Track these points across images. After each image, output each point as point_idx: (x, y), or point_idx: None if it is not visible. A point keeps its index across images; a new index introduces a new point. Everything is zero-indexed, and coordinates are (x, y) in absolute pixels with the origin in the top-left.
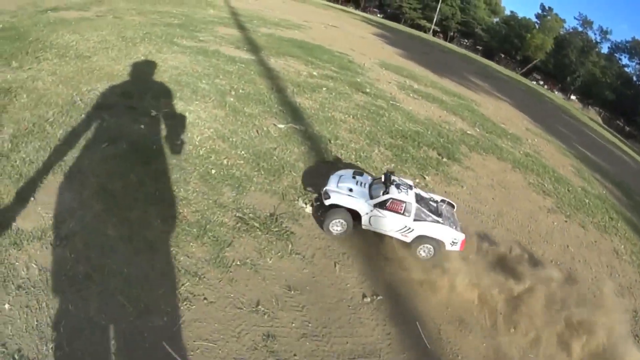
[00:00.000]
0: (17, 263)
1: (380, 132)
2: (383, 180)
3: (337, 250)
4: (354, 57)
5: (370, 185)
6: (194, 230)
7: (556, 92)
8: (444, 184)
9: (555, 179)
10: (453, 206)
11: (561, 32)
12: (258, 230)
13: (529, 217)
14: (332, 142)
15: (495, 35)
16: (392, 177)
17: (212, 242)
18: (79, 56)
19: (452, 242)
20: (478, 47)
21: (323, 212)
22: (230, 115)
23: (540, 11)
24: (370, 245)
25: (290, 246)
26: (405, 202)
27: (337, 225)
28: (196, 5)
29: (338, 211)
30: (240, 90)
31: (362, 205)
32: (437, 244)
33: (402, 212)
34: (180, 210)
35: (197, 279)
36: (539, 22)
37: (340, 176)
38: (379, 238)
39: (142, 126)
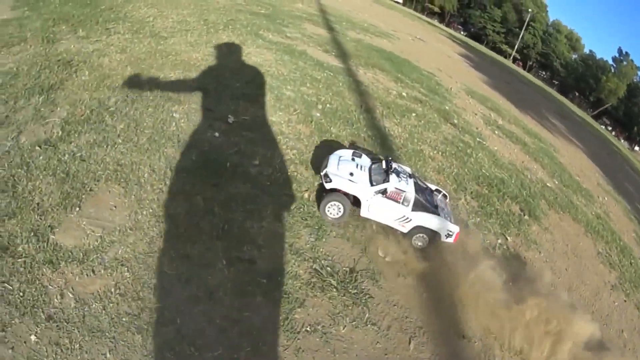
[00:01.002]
0: (50, 287)
1: (467, 176)
2: (384, 166)
3: (414, 323)
4: (441, 78)
5: (370, 169)
6: (264, 280)
7: (622, 140)
8: (524, 247)
9: (620, 248)
10: (446, 197)
11: (635, 80)
12: (334, 289)
13: (594, 294)
14: None
15: (573, 72)
16: (392, 164)
17: (283, 299)
18: (154, 35)
19: (448, 234)
20: (554, 81)
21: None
22: (316, 134)
23: (617, 55)
24: (445, 320)
25: (366, 314)
26: (404, 191)
27: (333, 208)
28: None
29: (336, 194)
30: (328, 105)
31: (363, 192)
32: (433, 234)
33: (401, 201)
34: (250, 252)
35: (260, 343)
36: (615, 65)
37: (340, 157)
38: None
39: (217, 134)
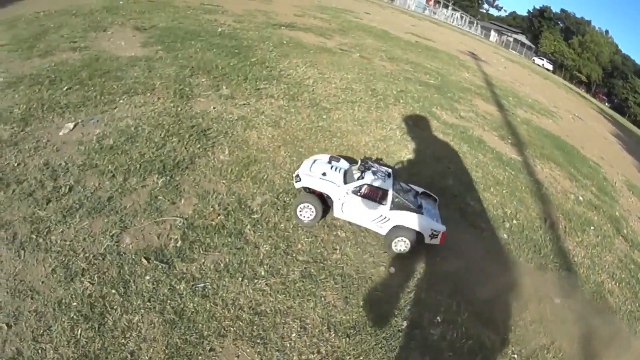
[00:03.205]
0: None
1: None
2: (359, 165)
3: None
4: (606, 170)
5: (346, 171)
6: None
7: None
8: None
9: None
10: (436, 200)
11: None
12: None
13: None
14: None
15: None
16: (370, 163)
17: None
18: (314, 104)
19: (432, 234)
20: None
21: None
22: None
23: None
24: None
25: None
26: (381, 189)
27: (306, 211)
28: (449, 62)
29: (307, 195)
30: (514, 221)
31: (334, 190)
32: (415, 236)
33: (377, 199)
34: None
35: None
36: None
37: (315, 160)
38: None
39: (392, 269)
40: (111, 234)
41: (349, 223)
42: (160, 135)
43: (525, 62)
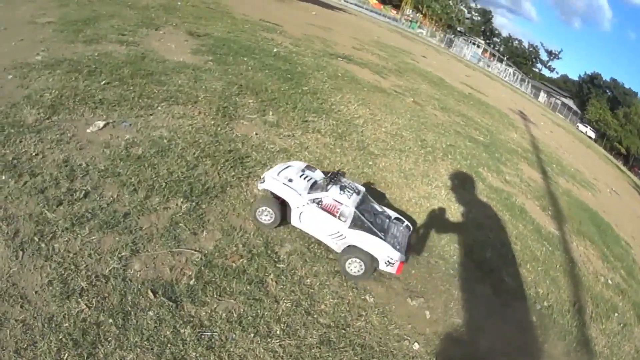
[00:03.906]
0: None
1: None
2: (327, 177)
3: None
4: (636, 252)
5: (316, 182)
6: None
7: None
8: None
9: None
10: (409, 228)
11: None
12: None
13: None
14: None
15: None
16: (340, 178)
17: None
18: (361, 147)
19: (388, 261)
20: None
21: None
22: None
23: None
24: None
25: None
26: (342, 204)
27: (264, 214)
28: (500, 119)
29: (267, 198)
30: (545, 302)
31: (294, 198)
32: (370, 260)
33: (337, 215)
34: None
35: None
36: None
37: (289, 166)
38: None
39: (416, 346)
40: (120, 255)
41: (380, 286)
42: (194, 154)
43: (570, 127)
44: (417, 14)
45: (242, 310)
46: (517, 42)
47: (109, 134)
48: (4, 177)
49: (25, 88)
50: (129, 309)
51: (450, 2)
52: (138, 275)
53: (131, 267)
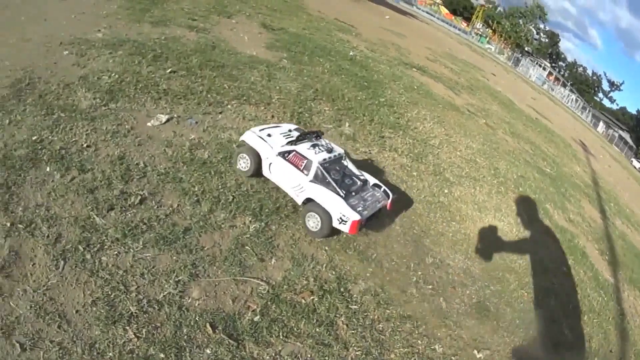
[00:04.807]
0: None
1: None
2: (303, 134)
3: None
4: None
5: (293, 140)
6: None
7: None
8: None
9: None
10: (388, 196)
11: None
12: None
13: None
14: None
15: None
16: (320, 138)
17: None
18: (437, 172)
19: (341, 218)
20: None
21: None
22: None
23: None
24: None
25: None
26: (307, 159)
27: (241, 161)
28: (564, 150)
29: (247, 148)
30: (596, 358)
31: (266, 150)
32: (325, 215)
33: (301, 168)
34: None
35: None
36: None
37: (278, 126)
38: None
39: None
40: (177, 278)
41: (449, 336)
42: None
43: (625, 162)
44: (487, 29)
45: (308, 355)
46: (581, 68)
47: (172, 131)
48: (48, 169)
49: (81, 67)
50: (184, 344)
51: (520, 21)
52: (196, 305)
53: (189, 294)
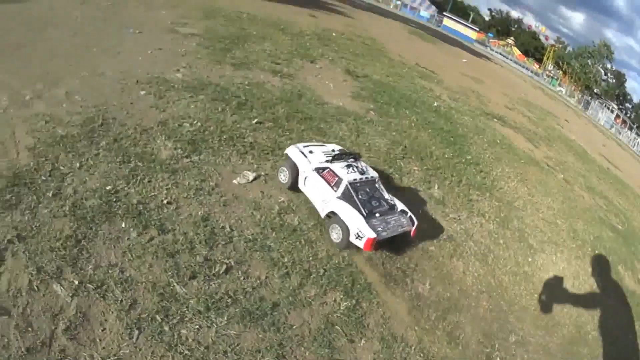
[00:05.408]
0: None
1: None
2: (346, 155)
3: None
4: None
5: (333, 157)
6: None
7: None
8: None
9: None
10: (413, 223)
11: None
12: None
13: None
14: None
15: None
16: (357, 160)
17: None
18: (522, 239)
19: (358, 234)
20: None
21: None
22: None
23: None
24: None
25: None
26: (339, 177)
27: (281, 174)
28: (634, 203)
29: (287, 161)
30: None
31: (304, 164)
32: (345, 229)
33: (332, 184)
34: None
35: None
36: None
37: (322, 144)
38: None
39: None
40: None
41: None
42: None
43: None
44: (558, 71)
45: None
46: None
47: (259, 191)
48: (124, 225)
49: (160, 111)
50: None
51: (589, 61)
52: None
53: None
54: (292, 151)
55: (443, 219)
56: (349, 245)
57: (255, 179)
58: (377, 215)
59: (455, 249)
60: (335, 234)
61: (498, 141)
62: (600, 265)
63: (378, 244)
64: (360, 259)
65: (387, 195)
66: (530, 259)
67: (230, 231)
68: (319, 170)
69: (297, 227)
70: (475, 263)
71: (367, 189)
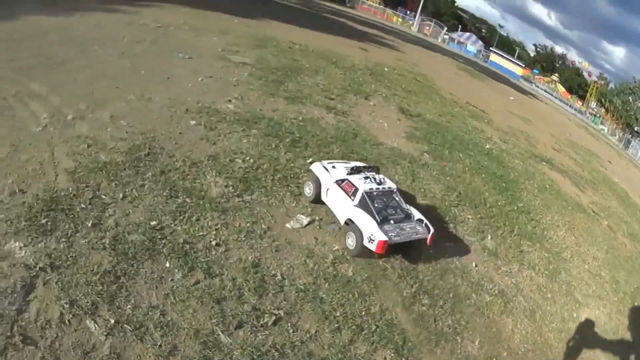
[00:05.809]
0: None
1: None
2: (357, 167)
3: None
4: None
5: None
6: None
7: None
8: None
9: None
10: (429, 230)
11: None
12: None
13: None
14: None
15: None
16: (375, 173)
17: None
18: (569, 292)
19: (370, 237)
20: None
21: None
22: None
23: None
24: None
25: None
26: (356, 187)
27: (307, 188)
28: None
29: (311, 176)
30: None
31: (326, 178)
32: (358, 233)
33: (350, 194)
34: None
35: None
36: None
37: (345, 162)
38: None
39: None
40: None
41: None
42: (411, 288)
43: None
44: (600, 108)
45: None
46: None
47: (313, 237)
48: (168, 265)
49: (211, 144)
50: None
51: (630, 98)
52: None
53: None
54: (316, 167)
55: (495, 272)
56: (363, 251)
57: (309, 223)
58: (392, 222)
59: (506, 304)
60: (350, 241)
61: (547, 186)
62: (637, 317)
63: (390, 248)
64: (411, 316)
65: (404, 205)
66: (575, 314)
67: (282, 279)
68: (339, 182)
69: (351, 279)
70: (523, 320)
71: (384, 199)
